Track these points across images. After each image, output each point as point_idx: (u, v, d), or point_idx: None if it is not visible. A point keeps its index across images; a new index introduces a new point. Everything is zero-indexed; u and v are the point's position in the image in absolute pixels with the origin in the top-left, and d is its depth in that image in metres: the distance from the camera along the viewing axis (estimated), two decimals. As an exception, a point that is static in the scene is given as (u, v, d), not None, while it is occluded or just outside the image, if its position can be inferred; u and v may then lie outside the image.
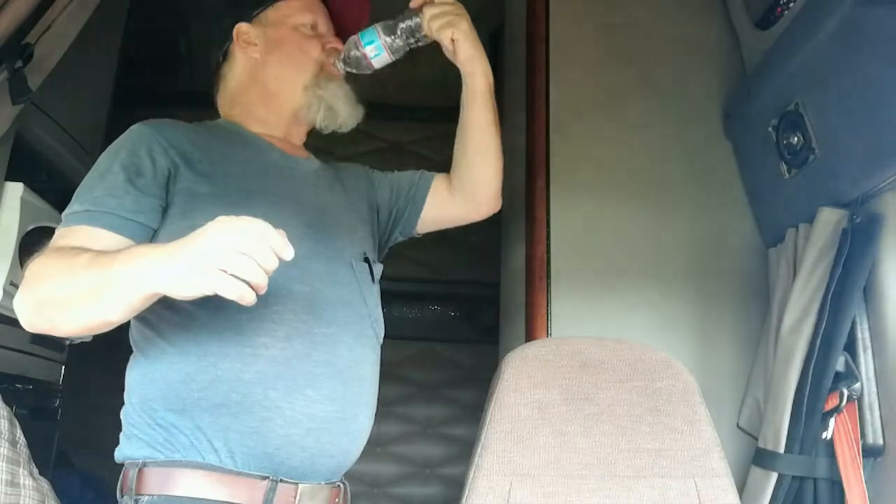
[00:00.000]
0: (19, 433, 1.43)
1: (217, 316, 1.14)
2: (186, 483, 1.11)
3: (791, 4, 1.77)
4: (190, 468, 1.12)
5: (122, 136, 1.26)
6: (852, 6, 1.48)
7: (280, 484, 1.13)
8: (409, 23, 1.35)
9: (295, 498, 1.14)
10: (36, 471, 1.44)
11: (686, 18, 2.21)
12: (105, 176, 1.18)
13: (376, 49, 1.33)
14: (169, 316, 1.17)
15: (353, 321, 1.26)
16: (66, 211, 1.17)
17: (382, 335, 1.35)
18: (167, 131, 1.26)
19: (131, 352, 1.24)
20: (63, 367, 2.26)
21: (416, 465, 3.25)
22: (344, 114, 1.40)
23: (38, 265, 1.06)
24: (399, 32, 1.34)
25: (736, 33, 2.10)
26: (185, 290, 0.92)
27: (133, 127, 1.27)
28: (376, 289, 1.36)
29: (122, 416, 1.21)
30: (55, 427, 2.19)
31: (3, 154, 1.76)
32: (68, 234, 1.13)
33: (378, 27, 1.34)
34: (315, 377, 1.17)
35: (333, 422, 1.19)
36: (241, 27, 1.44)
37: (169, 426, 1.14)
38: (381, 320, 1.35)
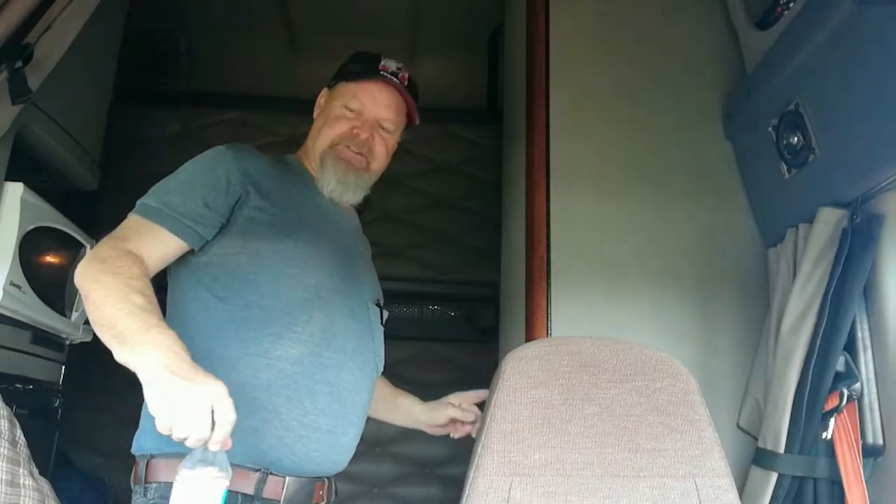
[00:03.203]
0: (19, 433, 1.43)
1: (244, 327, 1.33)
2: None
3: (791, 4, 1.77)
4: None
5: (206, 153, 1.44)
6: (852, 6, 1.48)
7: (270, 476, 1.29)
8: None
9: (282, 489, 1.30)
10: (36, 471, 1.44)
11: (686, 18, 2.21)
12: (184, 183, 1.38)
13: None
14: (201, 318, 1.35)
15: (360, 352, 1.44)
16: (144, 200, 1.36)
17: (382, 369, 1.54)
18: (247, 161, 1.44)
19: None
20: (63, 367, 2.26)
21: (416, 465, 3.25)
22: (330, 187, 1.54)
23: (110, 258, 1.22)
24: None
25: (736, 33, 2.10)
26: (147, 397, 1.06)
27: (219, 147, 1.45)
28: (382, 331, 1.55)
29: (142, 410, 1.28)
30: (55, 427, 2.19)
31: (3, 154, 1.76)
32: (142, 227, 1.32)
33: None
34: (314, 392, 1.34)
35: (324, 433, 1.34)
36: (324, 90, 1.67)
37: None
38: (383, 356, 1.54)
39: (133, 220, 1.34)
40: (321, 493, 1.39)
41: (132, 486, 1.31)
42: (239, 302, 1.34)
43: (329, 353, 1.37)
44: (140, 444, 1.32)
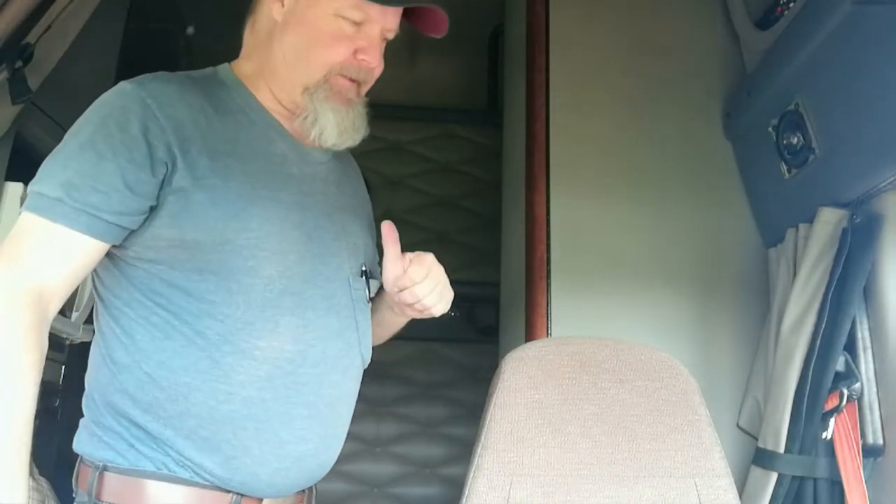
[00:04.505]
0: (19, 433, 1.42)
1: (195, 343, 1.05)
2: (150, 494, 1.05)
3: (791, 4, 1.78)
4: (155, 479, 1.05)
5: (109, 98, 1.07)
6: (852, 5, 1.49)
7: (244, 498, 1.09)
8: None
9: None
10: (36, 471, 1.43)
11: (686, 18, 2.21)
12: (86, 151, 1.02)
13: None
14: (140, 334, 1.06)
15: (343, 354, 1.16)
16: (36, 187, 1.01)
17: (369, 360, 1.24)
18: (168, 107, 1.07)
19: None
20: (63, 367, 2.25)
21: (416, 465, 3.24)
22: (331, 139, 1.17)
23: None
24: None
25: (736, 33, 2.10)
26: None
27: (125, 87, 1.07)
28: (369, 308, 1.23)
29: (83, 406, 1.13)
30: (55, 427, 2.19)
31: (3, 154, 1.76)
32: (41, 232, 1.00)
33: None
34: (292, 419, 1.09)
35: (305, 459, 1.12)
36: None
37: (133, 439, 1.07)
38: (370, 344, 1.23)
39: (27, 221, 1.01)
40: None
41: (74, 486, 1.12)
42: (185, 312, 1.04)
43: (306, 367, 1.09)
44: (87, 450, 1.11)
